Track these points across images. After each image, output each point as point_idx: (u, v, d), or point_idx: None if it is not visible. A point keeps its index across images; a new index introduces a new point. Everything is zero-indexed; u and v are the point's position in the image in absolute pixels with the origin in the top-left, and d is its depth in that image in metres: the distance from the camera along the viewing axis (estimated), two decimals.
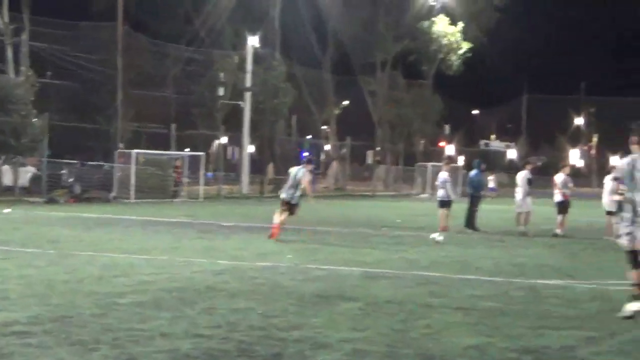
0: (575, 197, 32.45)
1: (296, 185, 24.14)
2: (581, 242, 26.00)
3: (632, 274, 12.68)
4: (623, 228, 12.79)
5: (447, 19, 73.07)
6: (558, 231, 28.03)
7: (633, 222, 12.59)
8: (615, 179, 12.78)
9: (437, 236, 24.12)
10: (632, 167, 12.76)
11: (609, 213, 27.45)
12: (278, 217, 23.86)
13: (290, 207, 24.11)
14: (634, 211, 12.59)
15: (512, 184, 31.77)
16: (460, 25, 73.37)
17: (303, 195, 24.40)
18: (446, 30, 73.24)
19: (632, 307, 12.35)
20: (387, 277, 16.23)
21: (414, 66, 77.73)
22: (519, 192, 28.82)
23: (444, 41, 73.24)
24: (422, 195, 62.87)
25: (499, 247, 23.42)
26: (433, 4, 71.66)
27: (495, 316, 12.22)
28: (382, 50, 71.50)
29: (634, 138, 13.02)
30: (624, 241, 12.76)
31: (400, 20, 71.44)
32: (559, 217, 28.41)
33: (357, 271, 16.86)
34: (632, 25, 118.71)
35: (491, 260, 19.90)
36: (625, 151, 13.55)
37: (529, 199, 28.55)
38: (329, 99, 74.82)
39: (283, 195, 24.45)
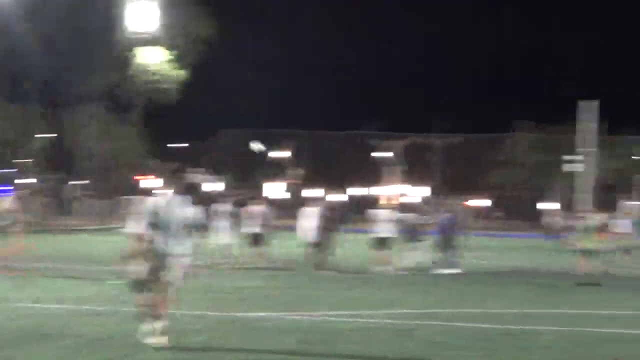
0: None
1: None
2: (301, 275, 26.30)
3: (139, 299, 12.54)
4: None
5: (156, 48, 72.77)
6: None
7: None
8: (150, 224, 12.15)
9: None
10: (158, 210, 12.36)
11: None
12: None
13: None
14: (159, 257, 12.20)
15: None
16: (171, 55, 73.28)
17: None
18: (155, 59, 73.01)
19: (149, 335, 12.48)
20: (98, 313, 15.98)
21: (122, 99, 76.88)
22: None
23: (154, 68, 72.98)
24: None
25: (222, 277, 22.98)
26: (140, 36, 70.91)
27: (205, 350, 12.43)
28: (86, 85, 70.20)
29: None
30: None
31: (105, 54, 70.34)
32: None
33: (67, 308, 16.57)
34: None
35: (213, 293, 20.05)
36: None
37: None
38: (32, 131, 72.54)
39: None
